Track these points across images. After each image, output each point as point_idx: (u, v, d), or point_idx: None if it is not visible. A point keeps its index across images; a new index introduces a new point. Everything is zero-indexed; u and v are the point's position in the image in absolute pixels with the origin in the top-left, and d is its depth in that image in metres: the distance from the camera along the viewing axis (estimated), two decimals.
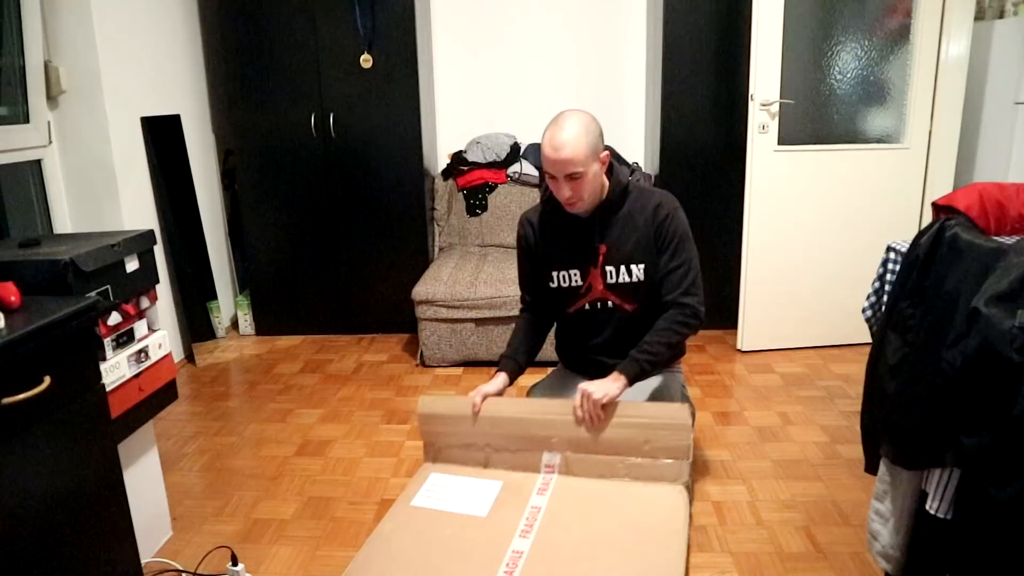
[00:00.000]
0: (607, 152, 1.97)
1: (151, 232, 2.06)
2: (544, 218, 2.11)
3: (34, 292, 1.69)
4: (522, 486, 2.06)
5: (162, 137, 3.48)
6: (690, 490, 2.18)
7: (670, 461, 1.97)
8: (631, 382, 1.91)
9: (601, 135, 1.94)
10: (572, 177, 1.89)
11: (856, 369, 3.25)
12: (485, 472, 2.13)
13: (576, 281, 2.09)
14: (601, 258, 2.05)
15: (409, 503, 2.04)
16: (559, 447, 2.09)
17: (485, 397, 2.01)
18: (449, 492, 2.07)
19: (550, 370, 2.38)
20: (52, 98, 3.03)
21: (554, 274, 2.11)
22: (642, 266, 2.04)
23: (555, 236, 2.08)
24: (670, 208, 2.02)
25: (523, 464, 2.12)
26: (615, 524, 1.91)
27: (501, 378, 2.08)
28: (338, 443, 2.75)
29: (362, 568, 1.80)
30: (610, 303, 2.08)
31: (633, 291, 2.05)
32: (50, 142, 3.05)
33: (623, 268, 2.05)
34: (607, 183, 2.02)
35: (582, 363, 2.20)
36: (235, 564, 1.92)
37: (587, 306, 2.11)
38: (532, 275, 2.18)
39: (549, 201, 2.09)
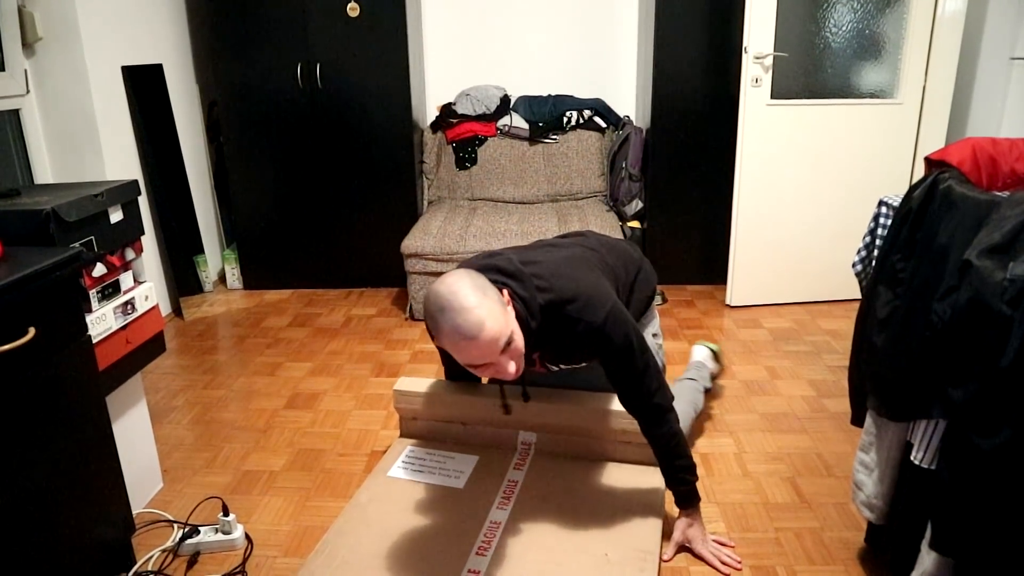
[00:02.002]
0: (504, 289, 1.64)
1: (135, 182, 2.02)
2: None
3: (15, 243, 1.66)
4: (499, 461, 2.08)
5: (144, 87, 3.40)
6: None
7: (645, 444, 1.97)
8: (697, 505, 1.85)
9: (487, 279, 1.60)
10: (507, 347, 1.53)
11: (843, 324, 3.27)
12: (461, 447, 2.15)
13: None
14: (537, 359, 1.90)
15: (385, 474, 2.06)
16: (534, 427, 2.10)
17: None
18: (426, 464, 2.09)
19: None
20: (28, 45, 2.94)
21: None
22: (583, 363, 1.92)
23: None
24: (598, 332, 1.69)
25: (498, 442, 2.14)
26: (592, 498, 1.93)
27: None
28: (328, 396, 2.76)
29: (339, 537, 1.81)
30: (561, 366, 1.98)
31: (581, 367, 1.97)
32: (28, 91, 2.98)
33: (563, 364, 1.92)
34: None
35: None
36: (226, 514, 1.93)
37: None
38: (462, 371, 2.08)
39: None
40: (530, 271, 1.72)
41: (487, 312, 1.48)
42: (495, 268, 1.71)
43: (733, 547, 1.88)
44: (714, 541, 1.86)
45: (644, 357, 1.74)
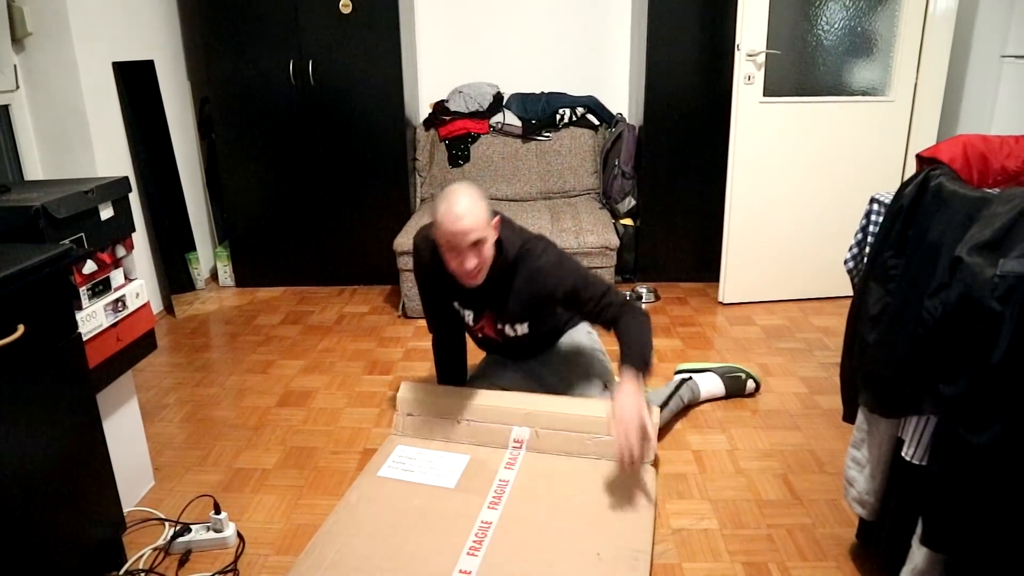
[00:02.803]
0: (496, 218, 2.00)
1: (126, 179, 2.01)
2: (439, 255, 2.04)
3: (5, 240, 1.65)
4: (490, 460, 2.08)
5: (135, 83, 3.38)
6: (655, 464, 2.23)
7: None
8: (646, 370, 1.95)
9: (487, 205, 1.96)
10: (475, 245, 1.89)
11: (835, 322, 3.28)
12: (452, 446, 2.16)
13: (470, 321, 2.22)
14: (491, 315, 2.18)
15: (375, 474, 2.05)
16: (528, 422, 2.11)
17: None
18: (416, 464, 2.08)
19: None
20: (18, 41, 2.92)
21: (454, 303, 2.23)
22: (526, 324, 2.15)
23: (450, 276, 2.03)
24: (555, 277, 2.03)
25: (491, 438, 2.14)
26: (583, 497, 1.93)
27: None
28: (320, 394, 2.75)
29: (328, 537, 1.80)
30: (504, 337, 2.22)
31: (524, 336, 2.20)
32: (17, 87, 2.96)
33: (508, 327, 2.17)
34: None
35: (499, 353, 2.41)
36: (218, 512, 1.92)
37: (481, 335, 2.26)
38: (432, 298, 2.28)
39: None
40: (526, 235, 2.11)
41: (473, 209, 1.87)
42: (505, 218, 2.08)
43: (646, 462, 2.01)
44: (643, 438, 1.86)
45: (591, 283, 2.05)
